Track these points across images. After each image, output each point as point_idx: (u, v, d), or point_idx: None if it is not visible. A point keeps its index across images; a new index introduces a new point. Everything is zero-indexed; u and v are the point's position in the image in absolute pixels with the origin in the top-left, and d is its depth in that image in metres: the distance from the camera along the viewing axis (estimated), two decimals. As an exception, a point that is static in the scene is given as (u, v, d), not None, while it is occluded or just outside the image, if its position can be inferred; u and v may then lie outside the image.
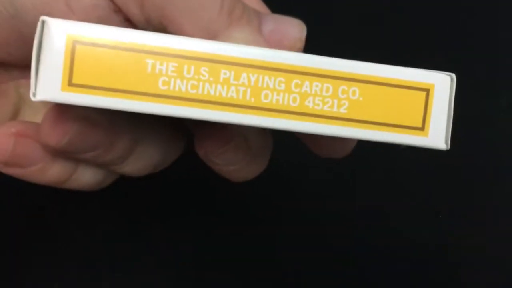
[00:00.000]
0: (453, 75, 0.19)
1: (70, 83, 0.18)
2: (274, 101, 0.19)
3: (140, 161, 0.24)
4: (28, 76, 0.18)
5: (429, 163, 0.31)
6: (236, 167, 0.24)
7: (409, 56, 0.36)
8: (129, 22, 0.22)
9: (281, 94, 0.19)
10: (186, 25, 0.21)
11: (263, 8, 0.26)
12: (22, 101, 0.24)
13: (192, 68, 0.18)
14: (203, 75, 0.18)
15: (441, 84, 0.19)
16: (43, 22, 0.18)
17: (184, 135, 0.25)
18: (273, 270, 0.31)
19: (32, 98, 0.18)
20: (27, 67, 0.18)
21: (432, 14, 0.38)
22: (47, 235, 0.30)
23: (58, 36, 0.18)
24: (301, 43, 0.23)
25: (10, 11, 0.21)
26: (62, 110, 0.20)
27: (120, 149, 0.23)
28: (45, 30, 0.18)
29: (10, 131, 0.22)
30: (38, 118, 0.23)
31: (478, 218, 0.33)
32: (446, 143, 0.19)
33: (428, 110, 0.19)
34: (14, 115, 0.24)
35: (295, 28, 0.23)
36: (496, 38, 0.37)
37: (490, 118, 0.35)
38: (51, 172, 0.23)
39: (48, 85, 0.18)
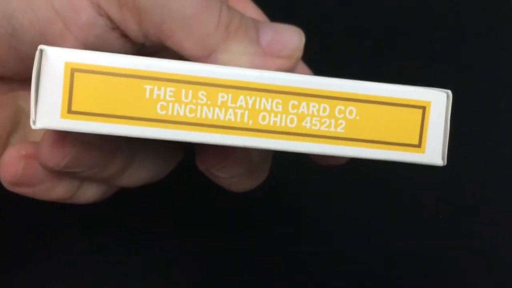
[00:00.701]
0: (449, 91, 0.19)
1: (70, 111, 0.18)
2: (271, 123, 0.19)
3: (137, 175, 0.24)
4: (26, 88, 0.18)
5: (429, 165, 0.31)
6: (237, 179, 0.24)
7: (407, 60, 0.36)
8: (127, 38, 0.22)
9: (279, 115, 0.19)
10: (184, 40, 0.21)
11: (261, 17, 0.26)
12: (21, 112, 0.24)
13: (190, 92, 0.18)
14: (201, 99, 0.18)
15: (437, 101, 0.19)
16: (41, 50, 0.18)
17: (182, 145, 0.26)
18: (273, 274, 0.31)
19: (32, 126, 0.18)
20: (26, 80, 0.18)
21: (429, 14, 0.38)
22: (47, 235, 0.31)
23: (57, 64, 0.18)
24: (299, 52, 0.23)
25: (8, 30, 0.21)
26: (61, 133, 0.21)
27: (116, 166, 0.23)
28: (43, 58, 0.18)
29: (21, 154, 0.22)
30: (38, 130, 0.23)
31: (479, 219, 0.33)
32: (443, 159, 0.20)
33: (425, 127, 0.19)
34: (14, 127, 0.24)
35: (294, 37, 0.23)
36: (496, 40, 0.37)
37: (489, 120, 0.35)
38: (58, 190, 0.23)
39: (47, 113, 0.18)
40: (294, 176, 0.32)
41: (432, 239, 0.32)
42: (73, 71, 0.18)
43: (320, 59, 0.27)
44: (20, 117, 0.25)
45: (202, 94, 0.18)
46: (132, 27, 0.22)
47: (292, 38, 0.23)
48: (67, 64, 0.18)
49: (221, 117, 0.18)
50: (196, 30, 0.21)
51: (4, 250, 0.30)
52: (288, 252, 0.31)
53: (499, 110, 0.36)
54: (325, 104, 0.19)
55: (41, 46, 0.18)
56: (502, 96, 0.36)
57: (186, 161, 0.26)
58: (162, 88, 0.18)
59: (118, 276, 0.30)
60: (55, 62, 0.18)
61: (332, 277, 0.31)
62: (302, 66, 0.27)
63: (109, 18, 0.22)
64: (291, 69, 0.23)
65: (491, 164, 0.35)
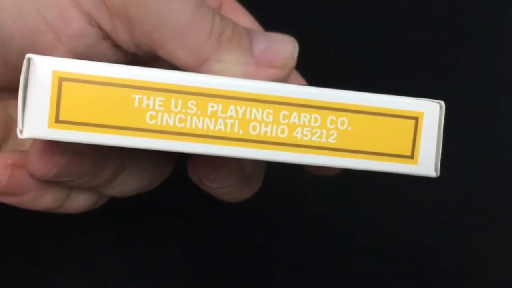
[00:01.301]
0: (442, 102, 0.19)
1: (57, 120, 0.18)
2: (262, 133, 0.18)
3: (128, 183, 0.24)
4: (17, 97, 0.18)
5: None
6: (230, 190, 0.24)
7: (407, 61, 0.36)
8: (118, 48, 0.22)
9: (269, 125, 0.19)
10: (176, 50, 0.21)
11: (255, 26, 0.26)
12: (12, 121, 0.24)
13: (180, 102, 0.18)
14: (191, 109, 0.18)
15: (430, 112, 0.19)
16: (29, 59, 0.18)
17: (174, 154, 0.25)
18: (272, 275, 0.31)
19: (19, 136, 0.18)
20: (17, 89, 0.18)
21: (428, 15, 0.37)
22: (48, 236, 0.31)
23: (44, 73, 0.18)
24: (293, 62, 0.23)
25: None
26: (50, 143, 0.20)
27: (106, 175, 0.23)
28: (31, 67, 0.18)
29: (7, 162, 0.22)
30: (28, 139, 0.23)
31: (479, 219, 0.33)
32: (436, 170, 0.19)
33: (417, 138, 0.19)
34: (5, 135, 0.24)
35: (287, 47, 0.23)
36: (496, 40, 0.37)
37: (489, 120, 0.35)
38: (45, 199, 0.23)
39: (34, 122, 0.18)
40: (293, 178, 0.32)
41: (432, 240, 0.32)
42: (61, 80, 0.18)
43: (314, 68, 0.26)
44: (11, 126, 0.24)
45: (192, 104, 0.18)
46: (123, 37, 0.21)
47: (285, 47, 0.23)
48: (54, 73, 0.18)
49: (211, 127, 0.18)
50: (188, 39, 0.21)
51: (5, 251, 0.30)
52: (287, 253, 0.31)
53: (499, 110, 0.36)
54: (316, 115, 0.19)
55: (28, 55, 0.18)
56: (502, 96, 0.36)
57: (186, 163, 0.26)
58: (152, 98, 0.18)
59: (118, 276, 0.30)
60: (42, 71, 0.18)
61: (333, 278, 0.31)
62: (296, 75, 0.26)
63: (100, 28, 0.21)
64: (284, 79, 0.23)
65: (491, 164, 0.34)
